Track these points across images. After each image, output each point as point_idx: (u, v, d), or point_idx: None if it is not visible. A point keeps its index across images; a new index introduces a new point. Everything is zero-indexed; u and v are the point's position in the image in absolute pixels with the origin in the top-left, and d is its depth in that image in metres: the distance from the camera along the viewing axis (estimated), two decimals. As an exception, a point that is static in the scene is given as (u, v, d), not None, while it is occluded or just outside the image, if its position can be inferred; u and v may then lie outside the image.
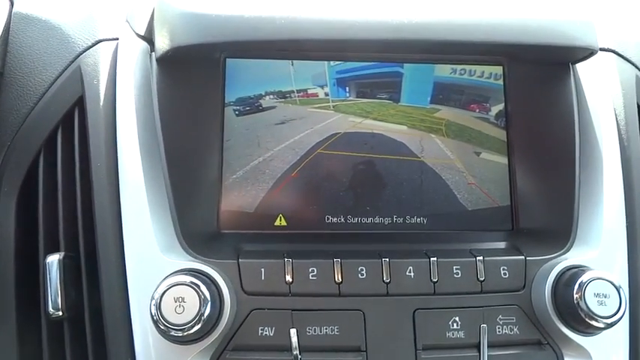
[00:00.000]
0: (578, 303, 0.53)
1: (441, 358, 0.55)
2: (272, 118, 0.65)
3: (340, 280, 0.55)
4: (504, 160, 0.66)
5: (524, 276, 0.57)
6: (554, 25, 0.58)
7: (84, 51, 0.64)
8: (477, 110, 0.67)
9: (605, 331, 0.54)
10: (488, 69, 0.67)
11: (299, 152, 0.64)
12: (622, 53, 0.70)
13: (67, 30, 0.66)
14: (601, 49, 0.69)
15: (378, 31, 0.55)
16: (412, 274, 0.56)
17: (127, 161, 0.58)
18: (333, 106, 0.66)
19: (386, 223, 0.64)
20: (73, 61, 0.64)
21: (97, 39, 0.64)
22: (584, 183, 0.61)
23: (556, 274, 0.56)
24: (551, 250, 0.59)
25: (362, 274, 0.56)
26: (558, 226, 0.61)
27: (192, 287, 0.51)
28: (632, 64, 0.70)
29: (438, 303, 0.56)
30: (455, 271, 0.56)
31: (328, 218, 0.63)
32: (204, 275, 0.53)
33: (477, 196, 0.65)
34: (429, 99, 0.67)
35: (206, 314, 0.51)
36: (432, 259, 0.56)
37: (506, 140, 0.66)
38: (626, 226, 0.60)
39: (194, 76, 0.63)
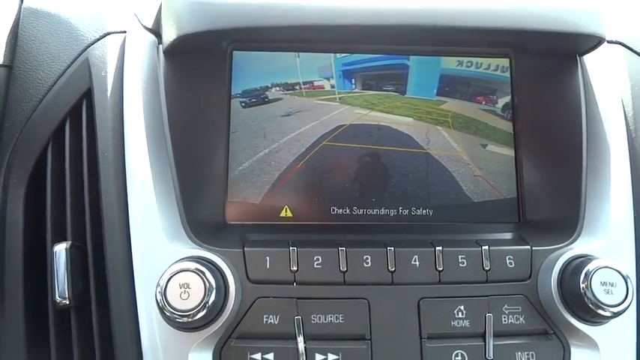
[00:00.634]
0: (584, 292, 0.52)
1: (446, 347, 0.54)
2: (278, 110, 0.65)
3: (345, 268, 0.55)
4: (511, 152, 0.65)
5: (530, 265, 0.57)
6: (562, 12, 0.58)
7: (92, 43, 0.65)
8: (484, 102, 0.67)
9: (612, 321, 0.54)
10: (494, 61, 0.67)
11: (305, 144, 0.64)
12: (630, 46, 0.70)
13: (76, 23, 0.66)
14: (609, 42, 0.69)
15: (385, 17, 0.55)
16: (417, 263, 0.56)
17: (134, 152, 0.59)
18: (339, 98, 0.66)
19: (391, 214, 0.64)
20: (81, 54, 0.64)
21: (105, 32, 0.65)
22: (591, 174, 0.61)
23: (562, 263, 0.55)
24: (558, 241, 0.58)
25: (367, 263, 0.56)
26: (565, 217, 0.60)
27: (197, 274, 0.51)
28: (641, 56, 0.69)
29: (443, 292, 0.56)
30: (460, 261, 0.56)
31: (334, 210, 0.63)
32: (209, 263, 0.53)
33: (483, 188, 0.65)
34: (435, 91, 0.67)
35: (211, 301, 0.51)
36: (437, 248, 0.56)
37: (512, 132, 0.66)
38: (634, 217, 0.60)
39: (201, 68, 0.63)
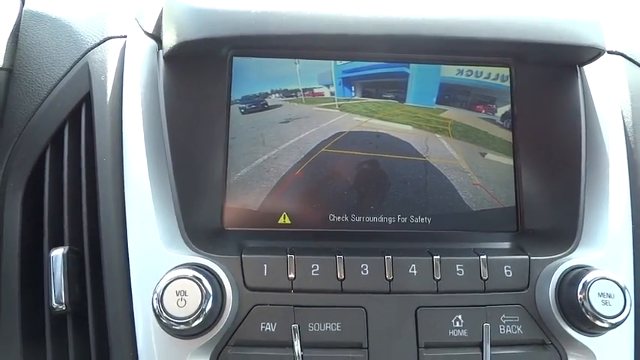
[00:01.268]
0: (582, 303, 0.52)
1: (443, 357, 0.54)
2: (277, 117, 0.65)
3: (342, 276, 0.55)
4: (510, 161, 0.65)
5: (528, 275, 0.57)
6: (562, 24, 0.58)
7: (92, 48, 0.65)
8: (483, 111, 0.67)
9: (609, 332, 0.54)
10: (494, 70, 0.67)
11: (304, 151, 0.64)
12: (630, 56, 0.70)
13: (76, 27, 0.66)
14: (609, 52, 0.69)
15: (385, 27, 0.55)
16: (415, 271, 0.56)
17: (132, 157, 0.59)
18: (339, 105, 0.66)
19: (390, 222, 0.63)
20: (81, 58, 0.64)
21: (105, 36, 0.65)
22: (590, 185, 0.61)
23: (560, 273, 0.55)
24: (556, 251, 0.58)
25: (364, 271, 0.56)
26: (563, 228, 0.60)
27: (194, 281, 0.51)
28: (641, 66, 0.69)
29: (440, 301, 0.55)
30: (458, 270, 0.56)
31: (332, 217, 0.63)
32: (206, 270, 0.53)
33: (481, 196, 0.65)
34: (434, 99, 0.67)
35: (207, 309, 0.51)
36: (435, 257, 0.56)
37: (511, 141, 0.66)
38: (632, 228, 0.60)
39: (200, 74, 0.63)
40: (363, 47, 0.62)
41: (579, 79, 0.64)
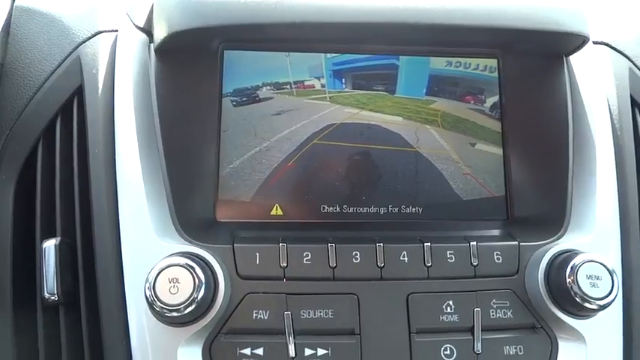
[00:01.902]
0: (571, 286, 0.53)
1: (435, 342, 0.54)
2: (269, 109, 0.65)
3: (334, 264, 0.56)
4: (499, 150, 0.66)
5: (518, 261, 0.57)
6: (546, 11, 0.59)
7: (83, 42, 0.65)
8: (472, 102, 0.68)
9: (598, 315, 0.54)
10: (483, 62, 0.68)
11: (295, 143, 0.65)
12: (615, 46, 0.71)
13: (68, 22, 0.67)
14: (595, 42, 0.70)
15: (375, 15, 0.56)
16: (406, 258, 0.56)
17: (124, 149, 0.59)
18: (330, 98, 0.66)
19: (381, 212, 0.64)
20: (72, 52, 0.65)
21: (96, 30, 0.66)
22: (577, 172, 0.62)
23: (549, 258, 0.56)
24: (545, 237, 0.59)
25: (356, 259, 0.56)
26: (552, 214, 0.61)
27: (186, 269, 0.51)
28: (626, 56, 0.70)
29: (431, 287, 0.56)
30: (449, 256, 0.57)
31: (324, 208, 0.63)
32: (199, 258, 0.53)
33: (472, 186, 0.65)
34: (424, 91, 0.67)
35: (200, 296, 0.51)
36: (425, 244, 0.57)
37: (500, 131, 0.67)
38: (619, 213, 0.60)
39: (192, 67, 0.63)
40: (353, 37, 0.63)
41: (566, 69, 0.65)
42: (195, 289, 0.51)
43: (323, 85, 0.67)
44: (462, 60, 0.68)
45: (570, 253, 0.55)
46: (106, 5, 0.69)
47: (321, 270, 0.56)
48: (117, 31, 0.65)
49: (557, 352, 0.55)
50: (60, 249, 0.57)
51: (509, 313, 0.56)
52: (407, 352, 0.54)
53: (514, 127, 0.66)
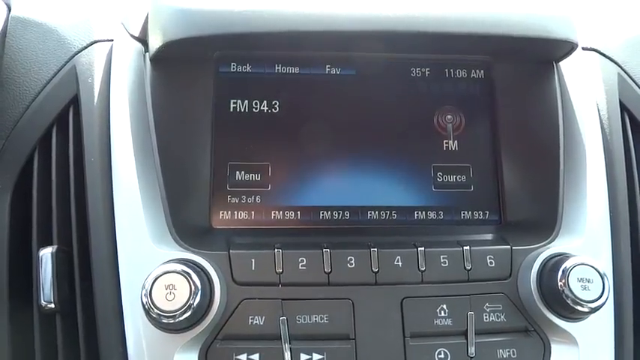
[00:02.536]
0: (562, 289, 0.53)
1: (429, 345, 0.55)
2: (263, 116, 0.66)
3: (329, 269, 0.56)
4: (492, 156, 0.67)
5: (511, 265, 0.58)
6: (536, 19, 0.60)
7: (79, 51, 0.66)
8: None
9: (590, 317, 0.55)
10: (474, 66, 0.69)
11: (289, 149, 0.65)
12: (604, 52, 0.72)
13: (63, 32, 0.67)
14: (584, 49, 0.71)
15: (371, 23, 0.57)
16: (400, 263, 0.57)
17: (120, 157, 0.59)
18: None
19: (376, 218, 0.64)
20: (68, 61, 0.65)
21: (92, 40, 0.66)
22: (568, 176, 0.63)
23: (541, 261, 0.56)
24: (537, 240, 0.60)
25: (351, 264, 0.57)
26: (544, 218, 0.62)
27: (183, 275, 0.52)
28: (615, 62, 0.71)
29: (425, 291, 0.56)
30: (442, 260, 0.57)
31: (320, 213, 0.64)
32: (195, 265, 0.54)
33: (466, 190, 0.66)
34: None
35: (196, 303, 0.51)
36: (419, 248, 0.57)
37: (492, 136, 0.67)
38: (610, 217, 0.61)
39: (187, 76, 0.64)
40: (347, 45, 0.64)
41: (556, 75, 0.66)
42: (192, 295, 0.51)
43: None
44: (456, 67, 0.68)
45: (562, 257, 0.56)
46: (102, 15, 0.69)
47: (316, 275, 0.56)
48: (112, 40, 0.66)
49: (550, 355, 0.56)
50: (56, 257, 0.58)
51: (502, 317, 0.56)
52: (401, 356, 0.55)
53: (506, 133, 0.67)
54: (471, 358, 0.55)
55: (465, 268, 0.57)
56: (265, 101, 0.65)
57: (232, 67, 0.66)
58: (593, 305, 0.53)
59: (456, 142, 0.66)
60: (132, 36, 0.65)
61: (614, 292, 0.59)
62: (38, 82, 0.65)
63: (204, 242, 0.59)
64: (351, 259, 0.57)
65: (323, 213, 0.64)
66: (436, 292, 0.57)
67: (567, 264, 0.54)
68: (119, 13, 0.68)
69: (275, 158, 0.64)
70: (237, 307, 0.55)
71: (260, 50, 0.65)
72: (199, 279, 0.52)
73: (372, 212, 0.64)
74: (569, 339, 0.56)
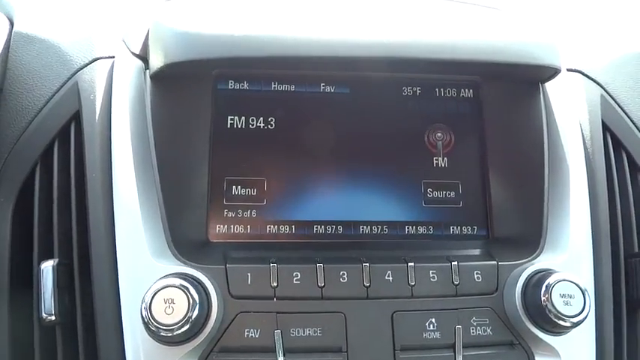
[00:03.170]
0: (545, 304, 0.56)
1: (418, 358, 0.57)
2: (261, 134, 0.67)
3: (323, 284, 0.58)
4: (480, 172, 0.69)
5: (497, 280, 0.60)
6: (521, 45, 0.62)
7: (81, 68, 0.67)
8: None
9: (572, 331, 0.57)
10: (464, 86, 0.71)
11: (286, 166, 0.67)
12: (587, 73, 0.75)
13: (66, 48, 0.69)
14: (569, 70, 0.74)
15: (365, 49, 0.59)
16: (391, 278, 0.59)
17: (120, 172, 0.61)
18: None
19: (368, 232, 0.66)
20: (70, 78, 0.67)
21: (94, 57, 0.68)
22: (552, 194, 0.65)
23: (526, 277, 0.59)
24: (523, 256, 0.62)
25: (343, 279, 0.58)
26: (529, 234, 0.64)
27: (181, 289, 0.53)
28: (597, 83, 0.74)
29: (415, 305, 0.58)
30: (431, 275, 0.59)
31: (315, 228, 0.66)
32: (193, 279, 0.55)
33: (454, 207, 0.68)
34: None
35: (194, 316, 0.53)
36: (409, 264, 0.59)
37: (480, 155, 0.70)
38: (592, 234, 0.63)
39: (186, 93, 0.66)
40: (344, 68, 0.66)
41: (541, 95, 0.69)
42: (190, 309, 0.53)
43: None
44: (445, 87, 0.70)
45: (545, 273, 0.58)
46: (103, 32, 0.71)
47: (310, 289, 0.58)
48: (113, 57, 0.67)
49: (534, 367, 0.58)
50: (57, 270, 0.59)
51: (488, 330, 0.58)
52: (392, 369, 0.57)
53: (493, 151, 0.69)
54: (459, 370, 0.57)
55: (453, 282, 0.59)
56: (262, 118, 0.67)
57: (230, 84, 0.67)
58: (574, 320, 0.55)
59: (445, 159, 0.68)
60: (133, 53, 0.67)
61: (596, 307, 0.62)
62: (41, 98, 0.66)
63: (201, 256, 0.60)
64: (343, 274, 0.59)
65: (317, 227, 0.65)
66: (425, 306, 0.59)
67: (550, 280, 0.56)
68: (120, 31, 0.70)
69: (271, 173, 0.66)
70: (233, 320, 0.57)
71: (257, 70, 0.67)
72: (197, 293, 0.54)
73: (365, 227, 0.66)
74: (553, 352, 0.58)
